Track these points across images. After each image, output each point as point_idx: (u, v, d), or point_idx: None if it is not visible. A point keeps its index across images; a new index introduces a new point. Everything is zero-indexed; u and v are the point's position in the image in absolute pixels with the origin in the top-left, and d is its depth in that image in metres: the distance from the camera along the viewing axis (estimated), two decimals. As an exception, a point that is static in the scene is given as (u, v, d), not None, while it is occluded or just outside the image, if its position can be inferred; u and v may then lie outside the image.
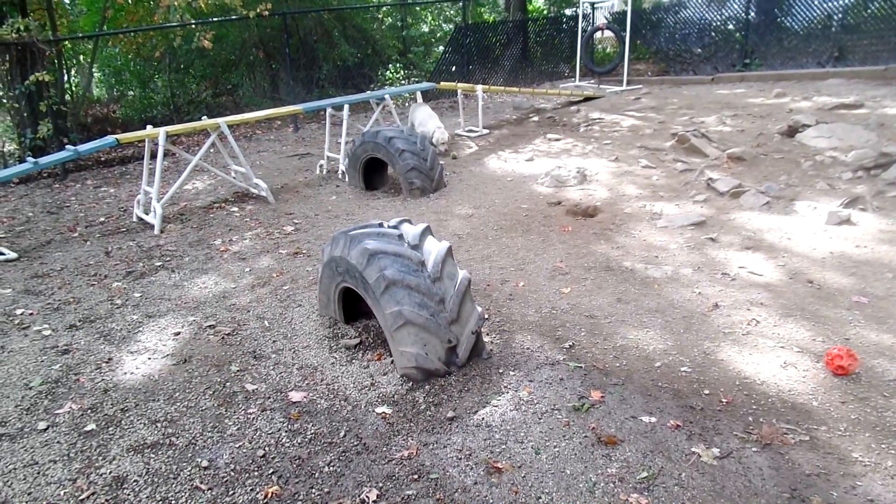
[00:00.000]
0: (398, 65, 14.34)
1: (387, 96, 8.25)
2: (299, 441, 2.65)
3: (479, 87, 9.19)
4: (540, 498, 2.24)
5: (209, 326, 3.85)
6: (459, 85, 8.88)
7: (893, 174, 5.44)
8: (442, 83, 9.38)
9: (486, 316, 3.73)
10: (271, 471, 2.46)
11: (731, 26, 12.29)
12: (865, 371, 2.97)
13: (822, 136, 6.67)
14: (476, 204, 6.22)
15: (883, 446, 2.44)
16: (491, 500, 2.24)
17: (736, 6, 12.06)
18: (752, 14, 11.87)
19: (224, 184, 7.58)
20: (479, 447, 2.54)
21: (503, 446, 2.54)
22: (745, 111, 8.64)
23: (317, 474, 2.43)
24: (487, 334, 3.52)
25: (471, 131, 9.43)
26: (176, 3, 8.03)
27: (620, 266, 4.47)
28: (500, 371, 3.12)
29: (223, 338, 3.69)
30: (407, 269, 3.12)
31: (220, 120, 6.63)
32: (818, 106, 8.22)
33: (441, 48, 14.21)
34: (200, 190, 7.57)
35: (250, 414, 2.87)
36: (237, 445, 2.63)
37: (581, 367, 3.13)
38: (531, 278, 4.34)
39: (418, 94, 8.85)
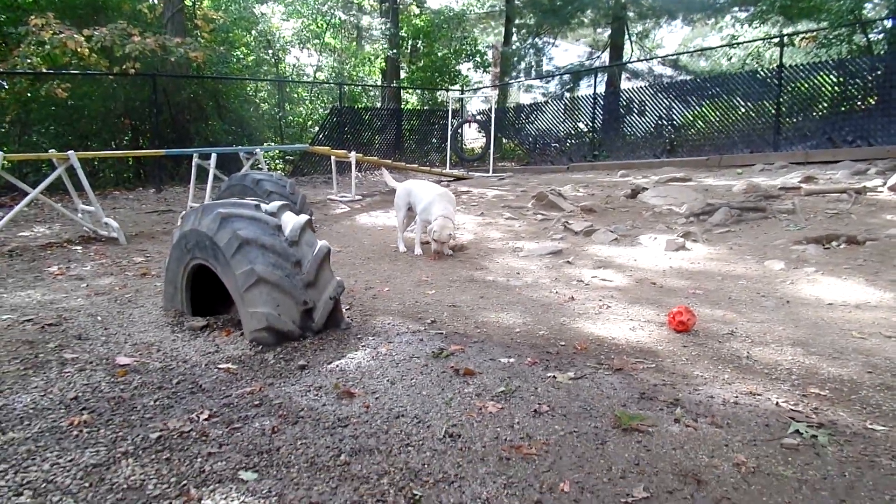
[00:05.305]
0: (272, 144, 14.40)
1: (258, 150, 8.19)
2: (122, 388, 2.30)
3: (353, 154, 9.41)
4: (392, 409, 2.09)
5: (27, 321, 3.36)
6: (333, 151, 9.04)
7: (717, 218, 6.17)
8: (315, 147, 9.49)
9: (349, 302, 3.60)
10: (82, 408, 2.10)
11: (581, 125, 13.82)
12: (703, 330, 3.17)
13: (659, 196, 7.48)
14: (344, 244, 6.17)
15: (720, 367, 2.58)
16: (340, 414, 2.05)
17: (585, 115, 13.66)
18: (599, 120, 13.51)
19: (68, 229, 6.94)
20: (331, 384, 2.35)
21: (357, 381, 2.37)
22: (595, 185, 9.51)
23: (139, 408, 2.11)
24: (349, 315, 3.38)
25: (343, 196, 9.51)
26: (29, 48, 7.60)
27: (484, 279, 4.56)
28: (359, 337, 2.99)
29: (43, 327, 3.22)
30: (262, 231, 2.99)
31: (70, 153, 6.18)
32: (655, 181, 9.26)
33: (316, 129, 14.50)
34: (40, 234, 6.86)
35: (65, 374, 2.47)
36: (41, 394, 2.23)
37: (442, 333, 3.07)
38: (396, 286, 4.29)
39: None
